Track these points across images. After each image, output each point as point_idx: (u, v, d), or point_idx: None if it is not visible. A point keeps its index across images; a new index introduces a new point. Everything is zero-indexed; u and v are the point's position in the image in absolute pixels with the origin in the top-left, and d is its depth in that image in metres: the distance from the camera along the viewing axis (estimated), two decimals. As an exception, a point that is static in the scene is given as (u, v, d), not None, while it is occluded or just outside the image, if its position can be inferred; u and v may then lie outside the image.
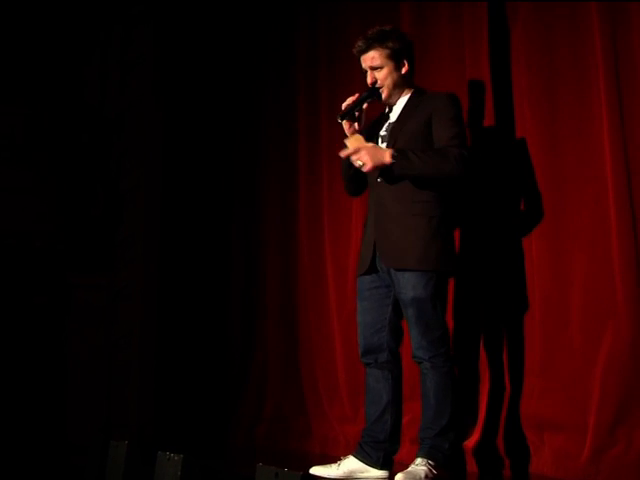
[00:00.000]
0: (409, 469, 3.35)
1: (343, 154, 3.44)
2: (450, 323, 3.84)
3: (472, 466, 3.75)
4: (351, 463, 3.54)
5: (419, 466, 3.34)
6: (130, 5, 5.57)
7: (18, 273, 5.21)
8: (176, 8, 5.67)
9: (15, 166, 5.26)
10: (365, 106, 3.54)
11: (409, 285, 3.40)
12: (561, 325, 3.59)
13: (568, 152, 3.62)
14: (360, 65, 3.60)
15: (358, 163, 3.37)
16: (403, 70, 3.52)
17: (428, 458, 3.36)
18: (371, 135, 3.58)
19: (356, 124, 3.54)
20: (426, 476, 3.31)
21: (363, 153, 3.35)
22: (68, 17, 5.39)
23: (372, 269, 3.57)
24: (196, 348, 5.48)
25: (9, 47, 5.18)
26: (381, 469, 3.53)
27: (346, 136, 3.53)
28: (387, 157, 3.34)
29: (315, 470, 3.53)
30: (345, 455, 3.62)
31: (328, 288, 4.75)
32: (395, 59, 3.51)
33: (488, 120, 3.92)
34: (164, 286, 5.59)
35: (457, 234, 3.84)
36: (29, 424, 4.98)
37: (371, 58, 3.52)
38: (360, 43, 3.54)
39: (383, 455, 3.55)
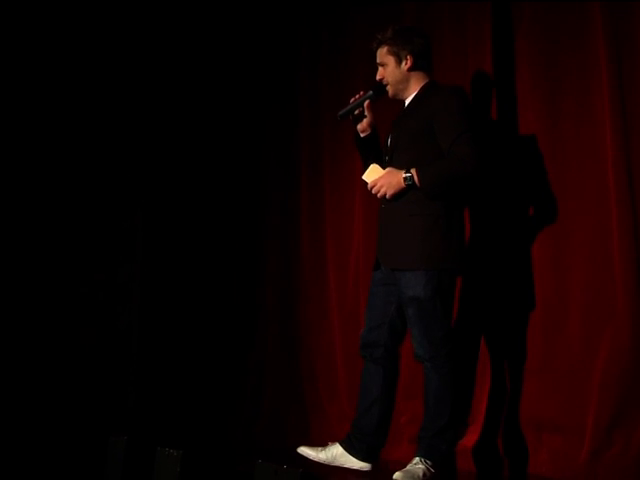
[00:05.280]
0: (407, 468, 3.37)
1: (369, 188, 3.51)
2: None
3: (470, 466, 3.76)
4: (336, 450, 3.60)
5: (417, 465, 3.37)
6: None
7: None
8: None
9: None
10: (367, 103, 3.58)
11: (409, 285, 3.40)
12: (561, 326, 3.60)
13: (570, 153, 3.63)
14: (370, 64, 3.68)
15: (379, 195, 3.46)
16: (405, 66, 3.53)
17: (426, 457, 3.38)
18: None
19: (365, 121, 3.60)
20: (424, 475, 3.33)
21: (380, 186, 3.43)
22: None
23: (380, 265, 3.60)
24: (195, 345, 5.48)
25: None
26: (363, 461, 3.57)
27: (356, 134, 3.63)
28: (402, 182, 3.39)
29: (302, 450, 3.62)
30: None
31: (329, 286, 4.76)
32: (396, 55, 3.53)
33: (491, 121, 3.92)
34: (164, 283, 5.60)
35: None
36: (30, 421, 4.99)
37: (378, 55, 3.58)
38: (373, 43, 3.60)
39: (366, 448, 3.58)
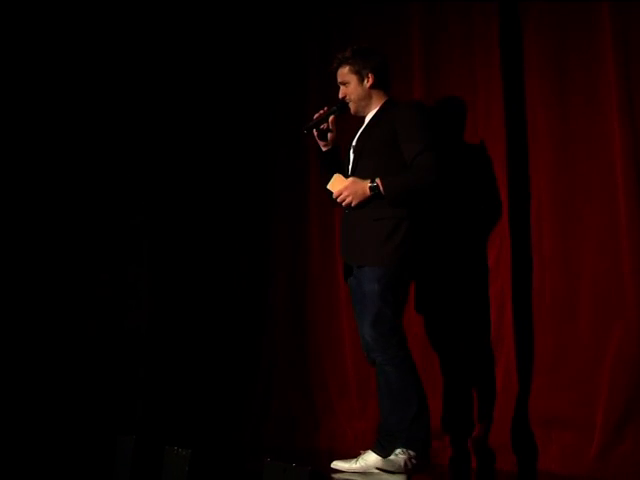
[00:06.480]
0: (389, 457, 3.45)
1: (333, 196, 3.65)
2: (459, 319, 3.95)
3: (480, 462, 3.77)
4: (368, 457, 3.59)
5: (399, 455, 3.44)
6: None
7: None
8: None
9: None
10: (332, 119, 3.78)
11: (365, 279, 3.56)
12: (570, 323, 3.60)
13: (579, 151, 3.62)
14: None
15: (344, 204, 3.62)
16: (367, 83, 3.72)
17: (408, 448, 3.45)
18: (349, 146, 3.83)
19: (329, 135, 3.80)
20: (405, 465, 3.41)
21: (346, 195, 3.60)
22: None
23: (349, 273, 3.74)
24: (204, 344, 5.49)
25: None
26: None
27: (318, 148, 3.83)
28: (367, 190, 3.57)
29: (336, 464, 3.61)
30: (357, 450, 3.70)
31: (338, 285, 4.74)
32: (358, 74, 3.72)
33: (499, 120, 3.90)
34: (172, 283, 5.60)
35: (459, 231, 3.95)
36: (39, 420, 5.00)
37: (339, 75, 3.78)
38: (333, 63, 3.78)
39: None
